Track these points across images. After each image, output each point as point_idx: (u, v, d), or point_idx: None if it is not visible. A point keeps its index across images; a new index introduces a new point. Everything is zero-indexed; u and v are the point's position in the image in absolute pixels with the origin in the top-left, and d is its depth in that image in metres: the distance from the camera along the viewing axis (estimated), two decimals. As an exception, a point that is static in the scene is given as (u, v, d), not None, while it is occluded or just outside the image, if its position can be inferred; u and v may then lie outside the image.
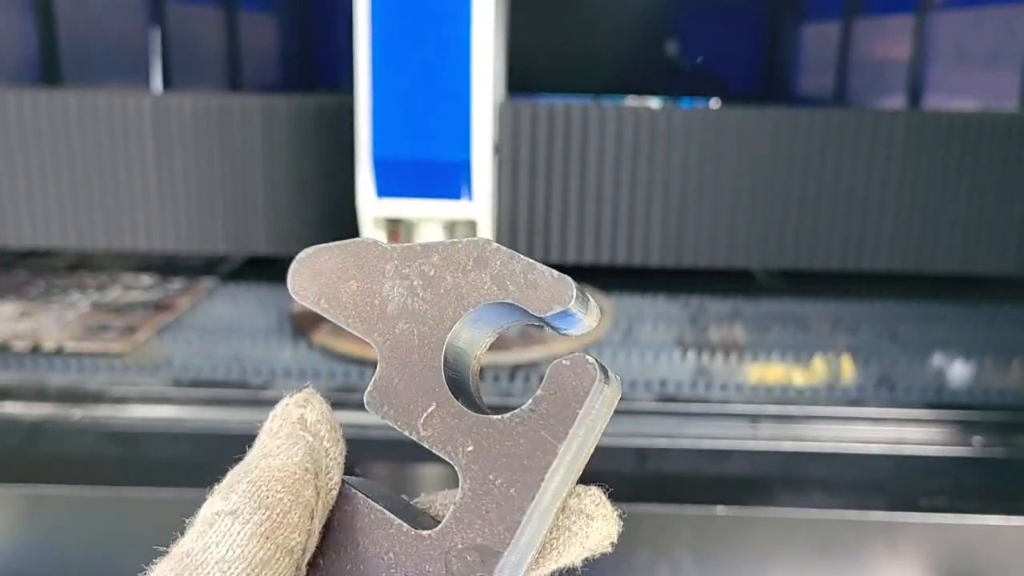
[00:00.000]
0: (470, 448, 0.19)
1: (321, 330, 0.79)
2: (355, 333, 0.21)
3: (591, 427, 0.19)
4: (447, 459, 0.20)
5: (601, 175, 0.87)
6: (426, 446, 0.20)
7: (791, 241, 0.88)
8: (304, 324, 0.81)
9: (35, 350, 0.75)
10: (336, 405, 0.21)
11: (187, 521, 0.19)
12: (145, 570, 0.19)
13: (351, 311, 0.21)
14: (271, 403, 0.22)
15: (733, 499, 0.56)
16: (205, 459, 0.62)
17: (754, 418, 0.67)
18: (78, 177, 0.89)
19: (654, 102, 1.70)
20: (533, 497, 0.19)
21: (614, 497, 0.21)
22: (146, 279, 0.97)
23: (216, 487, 0.20)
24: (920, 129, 0.86)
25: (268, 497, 0.19)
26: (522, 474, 0.19)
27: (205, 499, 0.20)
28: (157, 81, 1.47)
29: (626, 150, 0.86)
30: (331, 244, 0.22)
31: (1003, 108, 1.17)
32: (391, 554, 0.20)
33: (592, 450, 0.20)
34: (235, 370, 0.73)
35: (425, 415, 0.20)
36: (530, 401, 0.19)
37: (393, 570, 0.19)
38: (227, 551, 0.18)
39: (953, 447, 0.64)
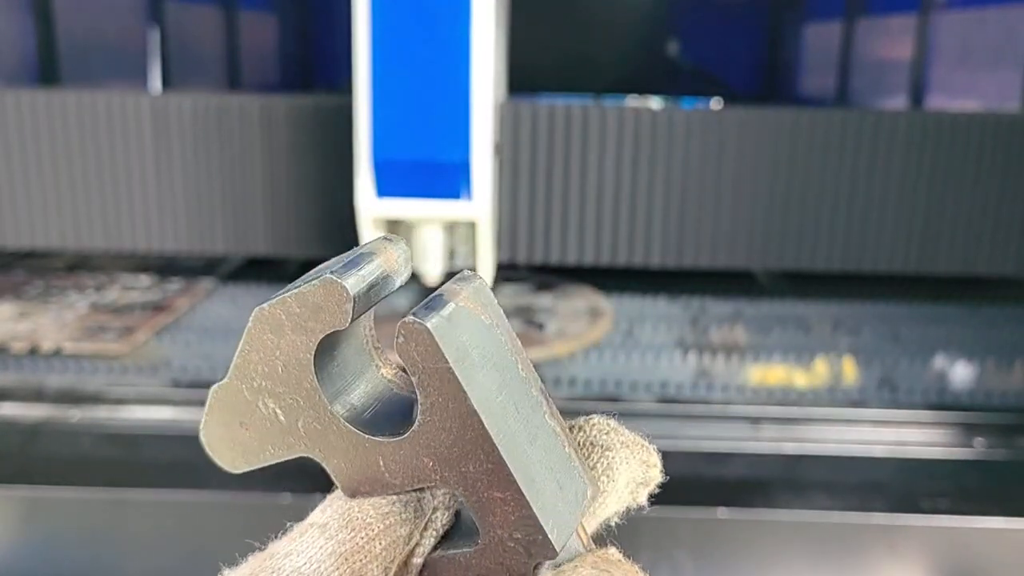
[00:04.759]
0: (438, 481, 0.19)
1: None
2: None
3: (468, 354, 0.18)
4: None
5: (601, 175, 0.86)
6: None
7: (792, 242, 0.88)
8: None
9: (33, 351, 0.75)
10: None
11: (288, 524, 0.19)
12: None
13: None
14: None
15: (734, 501, 0.56)
16: (204, 461, 0.61)
17: (755, 420, 0.67)
18: (76, 177, 0.89)
19: (655, 102, 1.69)
20: (493, 442, 0.18)
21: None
22: (145, 280, 0.97)
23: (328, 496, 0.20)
24: (922, 130, 0.86)
25: (358, 519, 0.19)
26: (473, 446, 0.18)
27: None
28: (156, 81, 1.46)
29: (627, 150, 0.86)
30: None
31: (1005, 109, 1.17)
32: None
33: (507, 344, 0.19)
34: (234, 371, 0.72)
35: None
36: (418, 400, 0.18)
37: None
38: (305, 563, 0.18)
39: (955, 449, 0.64)
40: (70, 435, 0.64)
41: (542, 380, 0.19)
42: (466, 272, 0.19)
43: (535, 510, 0.18)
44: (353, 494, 0.20)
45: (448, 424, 0.18)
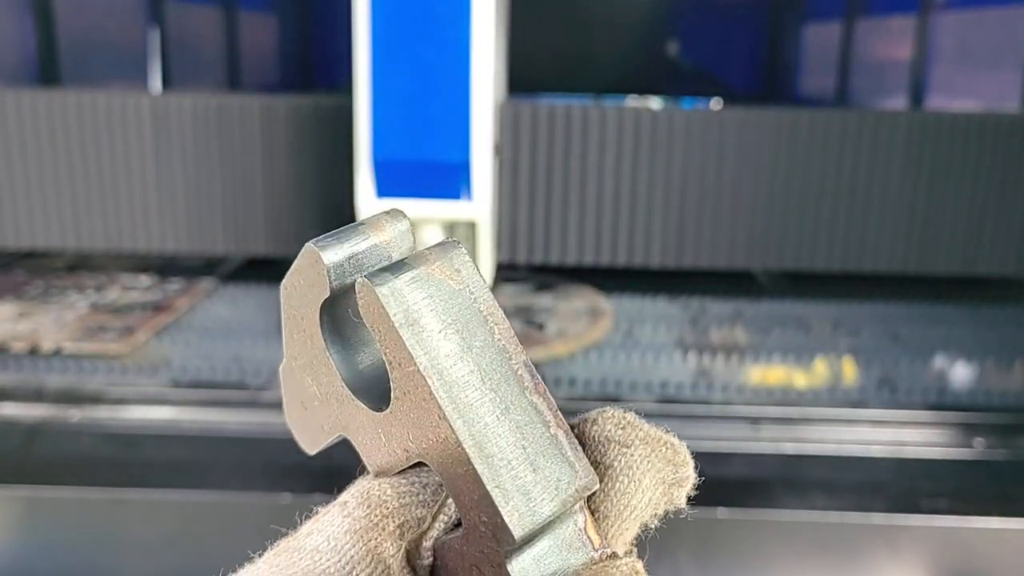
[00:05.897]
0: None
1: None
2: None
3: (420, 317, 0.17)
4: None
5: (601, 175, 0.86)
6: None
7: (792, 242, 0.88)
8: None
9: (33, 351, 0.75)
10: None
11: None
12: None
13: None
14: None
15: (734, 501, 0.56)
16: (204, 461, 0.62)
17: (755, 420, 0.67)
18: (77, 177, 0.89)
19: (655, 102, 1.69)
20: (442, 409, 0.17)
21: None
22: (145, 280, 0.97)
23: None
24: (921, 130, 0.86)
25: (375, 496, 0.18)
26: (427, 416, 0.17)
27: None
28: (156, 81, 1.47)
29: (626, 150, 0.86)
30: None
31: (1005, 109, 1.17)
32: None
33: (480, 312, 0.18)
34: (234, 371, 0.72)
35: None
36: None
37: None
38: (323, 541, 0.18)
39: (954, 449, 0.64)
40: (70, 435, 0.64)
41: (541, 378, 0.19)
42: (447, 240, 0.19)
43: (489, 488, 0.16)
44: (377, 474, 0.19)
45: (407, 392, 0.17)
